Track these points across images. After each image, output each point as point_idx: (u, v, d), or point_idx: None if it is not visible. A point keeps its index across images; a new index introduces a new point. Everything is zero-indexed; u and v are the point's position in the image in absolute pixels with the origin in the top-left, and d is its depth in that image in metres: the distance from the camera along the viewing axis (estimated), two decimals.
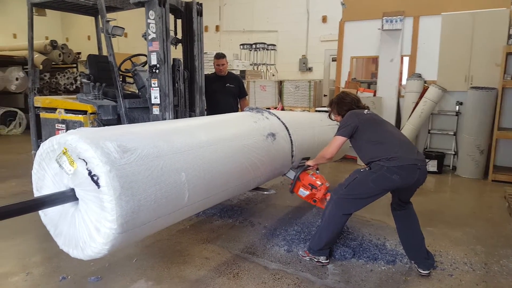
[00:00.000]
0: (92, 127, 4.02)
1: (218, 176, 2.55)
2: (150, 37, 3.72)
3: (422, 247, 2.90)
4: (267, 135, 3.18)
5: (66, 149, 1.96)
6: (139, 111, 4.19)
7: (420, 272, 2.87)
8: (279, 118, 3.51)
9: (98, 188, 1.86)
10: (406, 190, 2.87)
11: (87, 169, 1.89)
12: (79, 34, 13.78)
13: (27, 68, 9.07)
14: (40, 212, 2.17)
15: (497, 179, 5.48)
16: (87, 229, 1.93)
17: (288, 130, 3.48)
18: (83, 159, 1.90)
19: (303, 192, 3.41)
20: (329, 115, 3.33)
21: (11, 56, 9.63)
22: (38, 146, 4.60)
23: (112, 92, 4.38)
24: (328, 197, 3.25)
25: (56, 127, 4.32)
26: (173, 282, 2.74)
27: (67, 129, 4.20)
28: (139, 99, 4.27)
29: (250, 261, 3.05)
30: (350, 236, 3.41)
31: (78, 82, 10.04)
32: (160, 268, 2.94)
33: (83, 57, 11.09)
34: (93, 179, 1.86)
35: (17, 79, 9.59)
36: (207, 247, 3.29)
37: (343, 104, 3.15)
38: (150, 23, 3.69)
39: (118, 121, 4.18)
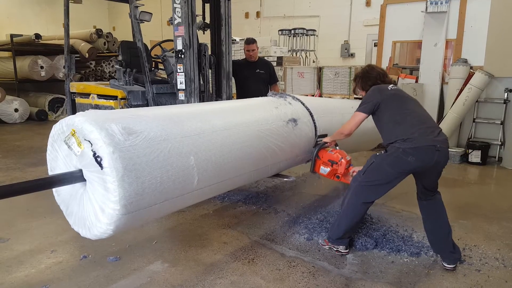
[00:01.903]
0: None
1: (231, 161, 2.51)
2: (175, 22, 3.72)
3: (448, 240, 2.72)
4: (288, 121, 3.08)
5: (74, 131, 2.00)
6: (167, 96, 4.23)
7: (445, 266, 2.71)
8: (303, 104, 3.39)
9: (101, 169, 1.88)
10: (427, 174, 2.68)
11: (92, 150, 1.92)
12: (126, 23, 14.16)
13: (76, 56, 9.59)
14: (54, 191, 2.25)
15: None
16: (93, 209, 1.97)
17: (312, 116, 3.35)
18: (89, 141, 1.93)
19: (324, 169, 3.28)
20: (354, 90, 3.18)
21: (59, 45, 10.13)
22: None
23: (143, 78, 4.47)
24: (351, 171, 3.12)
25: None
26: (188, 265, 2.77)
27: None
28: (167, 85, 4.31)
29: (268, 248, 3.02)
30: (374, 226, 3.28)
31: None
32: (178, 251, 2.98)
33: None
34: (96, 160, 1.89)
35: (64, 67, 10.09)
36: (227, 232, 3.29)
37: (368, 79, 2.99)
38: (176, 7, 3.69)
39: (147, 106, 4.26)
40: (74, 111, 4.85)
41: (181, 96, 3.89)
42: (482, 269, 2.72)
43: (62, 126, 2.06)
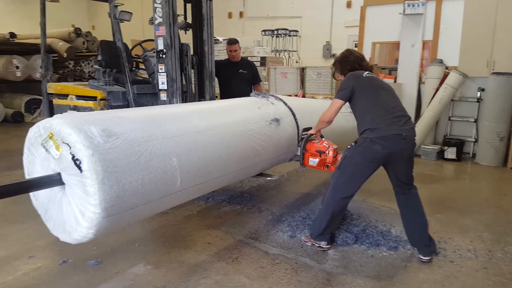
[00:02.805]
0: None
1: (214, 161, 2.52)
2: (156, 22, 3.70)
3: (424, 233, 2.81)
4: (271, 121, 3.11)
5: (52, 134, 1.97)
6: (149, 97, 4.20)
7: (421, 258, 2.80)
8: (285, 103, 3.43)
9: (81, 172, 1.86)
10: (396, 163, 2.77)
11: (70, 153, 1.89)
12: (105, 22, 13.91)
13: (54, 56, 9.31)
14: (31, 196, 2.21)
15: None
16: (73, 213, 1.95)
17: (294, 115, 3.39)
18: (67, 143, 1.91)
19: (313, 161, 3.32)
20: (333, 75, 3.24)
21: (36, 44, 9.88)
22: None
23: (123, 78, 4.42)
24: (339, 159, 3.17)
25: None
26: (172, 267, 2.76)
27: None
28: (148, 85, 4.28)
29: (252, 246, 3.04)
30: (354, 222, 3.35)
31: None
32: (161, 253, 2.96)
33: (90, 47, 11.24)
34: (75, 163, 1.87)
35: (41, 67, 9.85)
36: (211, 233, 3.29)
37: (346, 63, 3.04)
38: (156, 7, 3.67)
39: (128, 107, 4.22)
40: (51, 113, 4.75)
41: (163, 96, 3.87)
42: (456, 260, 2.82)
43: (39, 129, 2.02)
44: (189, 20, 4.35)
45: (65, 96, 4.46)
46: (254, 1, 10.72)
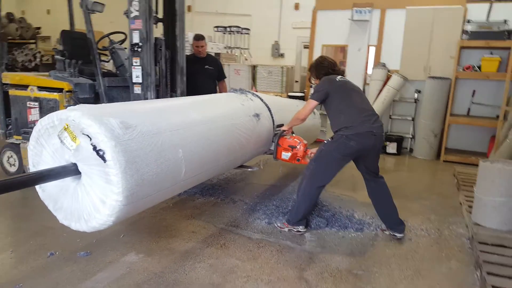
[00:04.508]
0: (68, 105, 3.98)
1: (210, 153, 2.70)
2: (132, 15, 3.72)
3: (395, 215, 3.25)
4: (253, 116, 3.35)
5: (67, 125, 2.02)
6: (118, 90, 4.18)
7: (395, 236, 3.23)
8: (262, 100, 3.68)
9: (104, 162, 1.94)
10: (368, 156, 3.15)
11: (91, 144, 1.96)
12: (37, 7, 12.96)
13: None
14: (38, 188, 2.22)
15: (448, 159, 6.06)
16: (91, 202, 2.02)
17: (270, 111, 3.66)
18: (87, 135, 1.97)
19: (286, 154, 3.64)
20: (309, 79, 3.55)
21: None
22: (7, 125, 4.53)
23: (88, 70, 4.33)
24: (309, 153, 3.53)
25: (28, 105, 4.22)
26: (163, 254, 2.88)
27: (40, 108, 4.12)
28: (117, 78, 4.25)
29: (235, 233, 3.25)
30: (324, 208, 3.72)
31: (38, 59, 9.58)
32: (149, 242, 3.06)
33: (43, 32, 10.56)
34: (98, 154, 1.95)
35: None
36: (193, 222, 3.44)
37: (321, 68, 3.37)
38: (132, 1, 3.68)
39: (95, 99, 4.16)
40: (7, 104, 4.48)
41: (137, 89, 3.89)
42: (413, 238, 3.30)
43: (53, 120, 2.06)
44: (159, 14, 4.38)
45: (24, 87, 4.25)
46: None
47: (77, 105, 2.11)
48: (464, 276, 2.72)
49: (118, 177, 1.94)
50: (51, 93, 4.06)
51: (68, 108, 2.07)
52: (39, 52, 9.92)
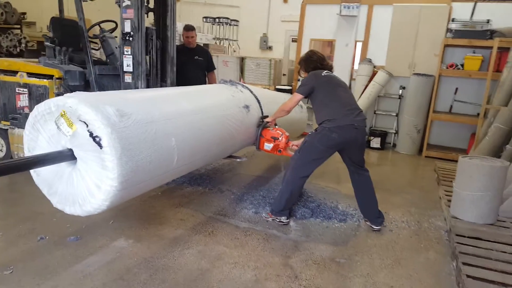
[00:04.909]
0: (58, 92, 3.99)
1: (202, 142, 2.77)
2: (124, 4, 3.73)
3: (375, 208, 3.38)
4: (243, 107, 3.43)
5: (64, 112, 2.06)
6: (108, 78, 4.19)
7: (373, 228, 3.36)
8: (251, 92, 3.76)
9: (101, 148, 2.00)
10: (350, 148, 3.26)
11: (88, 130, 2.02)
12: None
13: None
14: (32, 173, 2.26)
15: (429, 155, 6.26)
16: (87, 186, 2.08)
17: (259, 103, 3.74)
18: (84, 121, 2.03)
19: (268, 145, 3.75)
20: (299, 72, 3.65)
21: None
22: None
23: (78, 57, 4.33)
24: (291, 145, 3.65)
25: (17, 91, 4.20)
26: (153, 240, 2.95)
27: (29, 94, 4.11)
28: (107, 66, 4.26)
29: (223, 222, 3.34)
30: (309, 199, 3.83)
31: (23, 45, 9.39)
32: (138, 228, 3.12)
33: (29, 18, 10.33)
34: (95, 140, 2.00)
35: None
36: (181, 210, 3.51)
37: (310, 62, 3.48)
38: None
39: (85, 87, 4.17)
40: None
41: (128, 78, 3.92)
42: (394, 230, 3.44)
43: (49, 107, 2.10)
44: (150, 4, 4.39)
45: (13, 72, 4.22)
46: None
47: (74, 93, 2.15)
48: (441, 266, 2.87)
49: (113, 163, 2.01)
50: (41, 79, 4.06)
51: (65, 95, 2.11)
52: (24, 37, 9.73)
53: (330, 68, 3.51)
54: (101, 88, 4.11)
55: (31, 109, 4.10)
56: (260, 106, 3.76)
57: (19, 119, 4.12)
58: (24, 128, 3.95)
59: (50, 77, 4.03)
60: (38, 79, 4.07)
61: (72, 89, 4.02)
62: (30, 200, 3.51)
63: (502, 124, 4.64)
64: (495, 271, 2.58)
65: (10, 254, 2.65)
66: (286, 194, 3.30)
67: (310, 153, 3.22)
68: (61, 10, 5.04)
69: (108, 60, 4.43)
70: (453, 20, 6.17)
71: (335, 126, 3.11)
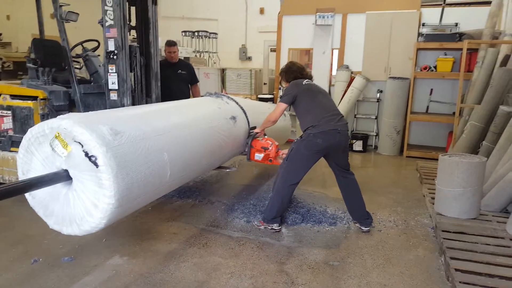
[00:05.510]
0: (43, 113, 3.98)
1: (192, 155, 2.83)
2: (107, 24, 3.77)
3: (363, 210, 3.49)
4: (230, 118, 3.50)
5: (59, 133, 2.09)
6: (93, 96, 4.20)
7: (362, 229, 3.46)
8: (237, 103, 3.84)
9: (97, 167, 2.04)
10: (335, 152, 3.37)
11: (83, 151, 2.05)
12: None
13: None
14: (27, 196, 2.27)
15: (410, 155, 6.46)
16: (83, 206, 2.10)
17: (245, 114, 3.83)
18: (79, 142, 2.06)
19: (259, 155, 3.82)
20: (280, 83, 3.76)
21: None
22: None
23: (62, 77, 4.34)
24: (281, 154, 3.74)
25: (0, 114, 4.16)
26: (148, 256, 2.97)
27: (13, 116, 4.08)
28: (92, 85, 4.28)
29: (215, 233, 3.38)
30: (299, 204, 3.92)
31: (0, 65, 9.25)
32: (132, 245, 3.13)
33: (4, 38, 10.18)
34: (90, 160, 2.04)
35: None
36: (173, 224, 3.54)
37: (291, 73, 3.60)
38: (107, 9, 3.74)
39: (70, 107, 4.17)
40: None
41: (114, 96, 3.94)
42: (382, 230, 3.55)
43: (43, 129, 2.12)
44: (133, 22, 4.44)
45: None
46: (170, 0, 10.78)
47: (67, 114, 2.19)
48: (430, 261, 2.99)
49: (110, 181, 2.04)
50: (25, 101, 4.04)
51: (58, 117, 2.14)
52: (1, 58, 9.59)
53: (310, 77, 3.64)
54: (87, 107, 4.11)
55: (15, 131, 4.08)
56: (246, 117, 3.85)
57: (3, 141, 4.08)
58: (8, 151, 4.03)
59: (34, 98, 4.01)
60: (22, 101, 4.05)
61: (57, 109, 4.03)
62: (19, 223, 3.48)
63: (477, 121, 4.86)
64: (482, 263, 2.71)
65: (5, 278, 2.62)
66: (277, 202, 3.37)
67: (298, 160, 3.31)
68: (41, 30, 5.05)
69: (92, 79, 4.45)
70: (423, 24, 6.45)
71: (319, 131, 3.22)
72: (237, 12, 10.24)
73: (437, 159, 3.84)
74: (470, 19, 6.22)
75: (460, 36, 6.07)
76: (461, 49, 5.76)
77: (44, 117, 3.93)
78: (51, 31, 4.86)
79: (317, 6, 6.91)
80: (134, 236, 3.31)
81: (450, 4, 6.52)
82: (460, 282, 2.46)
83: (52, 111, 3.98)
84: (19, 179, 2.18)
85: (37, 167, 2.17)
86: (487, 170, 3.75)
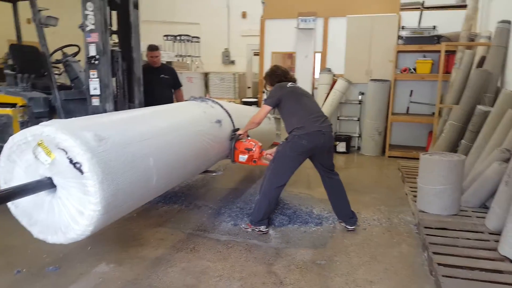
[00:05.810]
0: (22, 120, 3.90)
1: (178, 160, 2.82)
2: (88, 29, 3.73)
3: (348, 209, 3.55)
4: (215, 122, 3.51)
5: (42, 140, 2.06)
6: (75, 102, 4.15)
7: (348, 228, 3.52)
8: (222, 106, 3.86)
9: (82, 174, 2.01)
10: (320, 153, 3.42)
11: (67, 157, 2.03)
12: None
13: None
14: (10, 205, 2.22)
15: (392, 155, 6.58)
16: (69, 213, 2.07)
17: (231, 117, 3.84)
18: (63, 149, 2.03)
19: (243, 157, 3.84)
20: (265, 86, 3.80)
21: None
22: None
23: (41, 83, 4.27)
24: (264, 154, 3.77)
25: None
26: (135, 262, 2.94)
27: None
28: (73, 91, 4.22)
29: (203, 237, 3.38)
30: (286, 206, 3.97)
31: None
32: (118, 252, 3.10)
33: None
34: (75, 167, 2.01)
35: None
36: (159, 230, 3.51)
37: (275, 76, 3.66)
38: (87, 14, 3.70)
39: (50, 113, 4.11)
40: None
41: (96, 101, 3.90)
42: (367, 228, 3.62)
43: (25, 137, 2.08)
44: (114, 27, 4.41)
45: None
46: (150, 4, 10.71)
47: (50, 121, 2.16)
48: (414, 257, 3.06)
49: (95, 187, 2.02)
50: (4, 108, 3.95)
51: (41, 124, 2.11)
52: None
53: (294, 81, 3.69)
54: (68, 113, 4.06)
55: None
56: (232, 120, 3.86)
57: None
58: None
59: (13, 105, 3.93)
60: (1, 108, 3.96)
61: (37, 116, 3.95)
62: (0, 234, 3.39)
63: (456, 121, 4.99)
64: (463, 257, 2.79)
65: None
66: (264, 204, 3.39)
67: (284, 162, 3.35)
68: (18, 36, 4.96)
69: (73, 85, 4.38)
70: (403, 28, 6.60)
71: (304, 133, 3.26)
72: (219, 16, 10.24)
73: (418, 159, 3.93)
74: (447, 22, 6.40)
75: (438, 39, 6.24)
76: (439, 51, 5.91)
77: (23, 124, 3.85)
78: (28, 36, 4.80)
79: (299, 10, 6.98)
80: (120, 243, 3.27)
81: (428, 8, 6.68)
82: (443, 275, 2.52)
83: (32, 118, 3.90)
84: (1, 189, 2.14)
85: (20, 176, 2.13)
86: (466, 168, 3.85)
